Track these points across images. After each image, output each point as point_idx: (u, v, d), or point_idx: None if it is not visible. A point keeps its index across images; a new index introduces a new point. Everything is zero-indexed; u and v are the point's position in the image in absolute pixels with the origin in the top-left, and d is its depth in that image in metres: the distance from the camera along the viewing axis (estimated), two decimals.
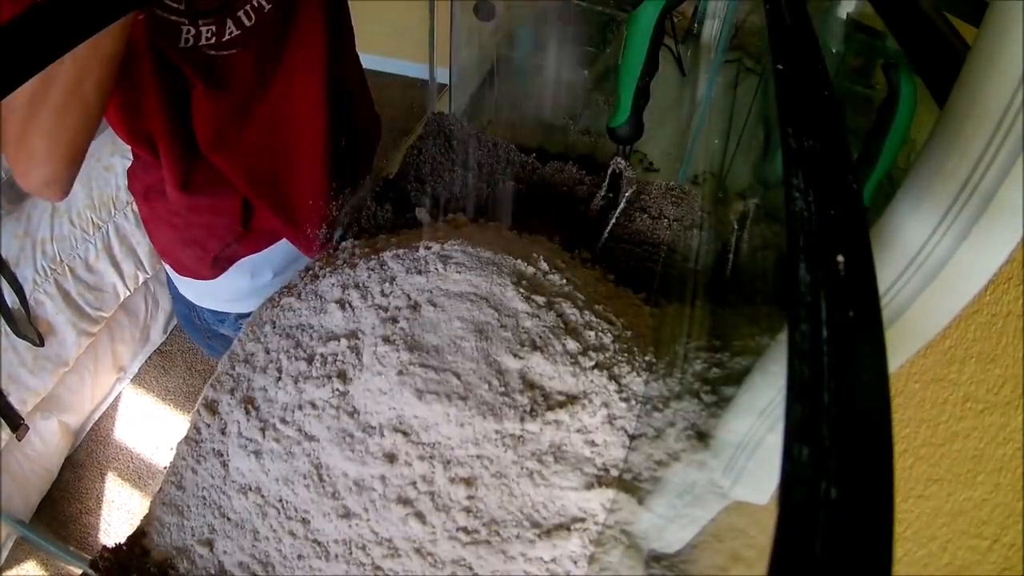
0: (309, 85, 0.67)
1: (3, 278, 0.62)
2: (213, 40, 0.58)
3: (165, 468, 0.52)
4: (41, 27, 0.26)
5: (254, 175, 0.68)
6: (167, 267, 0.82)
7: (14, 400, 1.32)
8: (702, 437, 0.44)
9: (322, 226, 0.71)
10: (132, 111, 0.59)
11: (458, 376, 0.46)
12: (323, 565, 0.44)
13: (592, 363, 0.48)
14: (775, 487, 0.16)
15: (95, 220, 1.41)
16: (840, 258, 0.21)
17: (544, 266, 0.54)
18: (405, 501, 0.43)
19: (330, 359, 0.50)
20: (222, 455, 0.50)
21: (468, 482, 0.44)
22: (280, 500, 0.46)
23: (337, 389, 0.48)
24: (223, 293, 0.81)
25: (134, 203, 1.43)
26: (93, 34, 0.28)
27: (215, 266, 0.76)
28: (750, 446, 0.37)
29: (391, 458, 0.45)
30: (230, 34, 0.59)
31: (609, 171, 0.70)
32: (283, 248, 0.80)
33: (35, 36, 0.26)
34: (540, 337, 0.48)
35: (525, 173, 0.78)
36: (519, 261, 0.54)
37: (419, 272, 0.53)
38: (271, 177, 0.70)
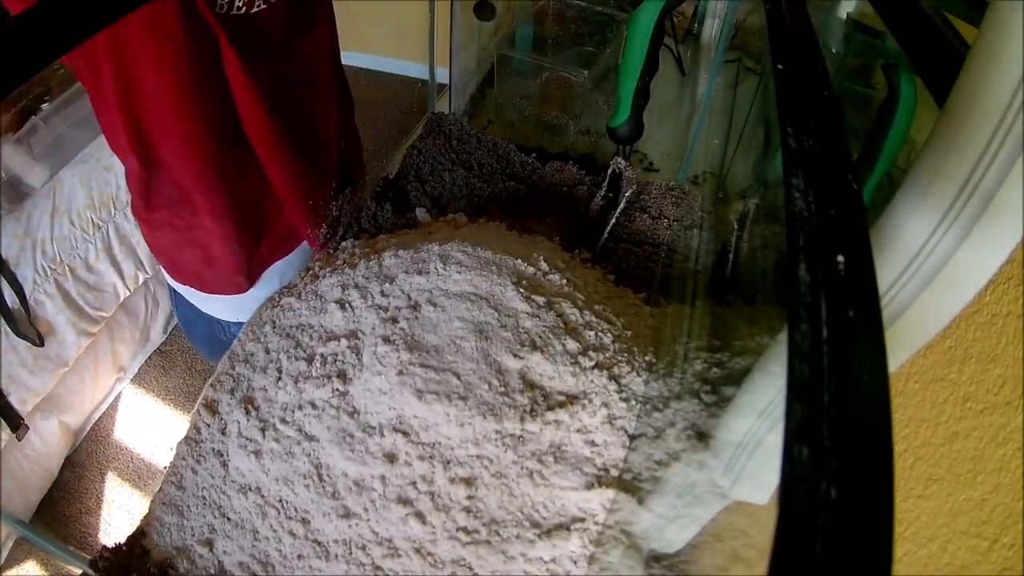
0: (321, 79, 0.67)
1: (3, 278, 0.62)
2: (243, 10, 0.58)
3: (165, 468, 0.52)
4: (41, 27, 0.26)
5: (284, 161, 0.66)
6: (181, 291, 0.77)
7: (14, 400, 1.32)
8: (702, 437, 0.44)
9: (322, 226, 0.71)
10: (137, 115, 0.58)
11: (458, 376, 0.46)
12: (323, 565, 0.44)
13: (592, 363, 0.48)
14: (775, 487, 0.16)
15: (95, 220, 1.40)
16: (840, 258, 0.21)
17: (544, 266, 0.54)
18: (405, 501, 0.43)
19: (330, 359, 0.50)
20: (222, 455, 0.50)
21: (468, 482, 0.43)
22: (280, 500, 0.46)
23: (337, 389, 0.48)
24: (254, 304, 0.77)
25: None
26: (93, 34, 0.28)
27: (249, 277, 0.74)
28: (750, 446, 0.37)
29: (391, 458, 0.45)
30: (258, 6, 0.59)
31: (609, 171, 0.70)
32: (306, 251, 0.78)
33: (35, 36, 0.26)
34: (540, 337, 0.48)
35: (525, 173, 0.78)
36: (519, 261, 0.54)
37: (419, 272, 0.53)
38: (297, 166, 0.68)
